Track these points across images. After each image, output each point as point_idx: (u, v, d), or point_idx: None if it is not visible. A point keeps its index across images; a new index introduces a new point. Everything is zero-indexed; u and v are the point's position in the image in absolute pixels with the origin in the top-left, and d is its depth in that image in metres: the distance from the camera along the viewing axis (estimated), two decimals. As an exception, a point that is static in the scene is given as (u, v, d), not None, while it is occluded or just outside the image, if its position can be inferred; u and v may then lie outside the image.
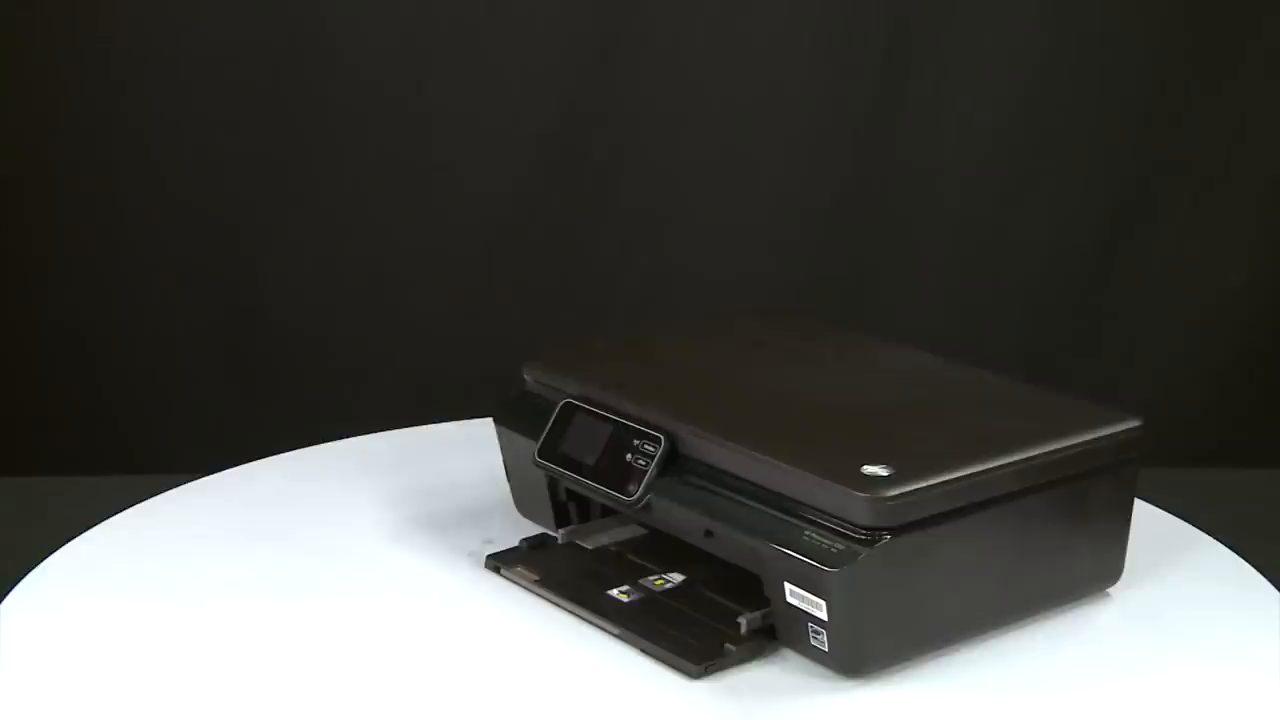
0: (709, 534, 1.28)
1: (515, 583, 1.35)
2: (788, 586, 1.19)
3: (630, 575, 1.34)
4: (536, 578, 1.34)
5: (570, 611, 1.30)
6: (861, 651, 1.19)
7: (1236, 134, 2.93)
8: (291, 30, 2.86)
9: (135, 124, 2.89)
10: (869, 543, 1.15)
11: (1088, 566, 1.31)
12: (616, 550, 1.40)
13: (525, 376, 1.46)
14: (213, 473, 1.60)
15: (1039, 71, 2.91)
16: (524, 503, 1.47)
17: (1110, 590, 1.34)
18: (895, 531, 1.15)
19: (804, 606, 1.18)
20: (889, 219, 3.00)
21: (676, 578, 1.34)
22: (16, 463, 2.91)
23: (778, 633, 1.23)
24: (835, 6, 2.89)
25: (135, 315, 2.99)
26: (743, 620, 1.23)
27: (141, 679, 1.21)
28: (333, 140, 2.93)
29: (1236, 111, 2.91)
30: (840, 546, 1.15)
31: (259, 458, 1.64)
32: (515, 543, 1.41)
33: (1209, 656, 1.25)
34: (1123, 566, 1.33)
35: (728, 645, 1.22)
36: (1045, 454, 1.24)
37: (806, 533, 1.17)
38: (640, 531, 1.42)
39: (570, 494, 1.42)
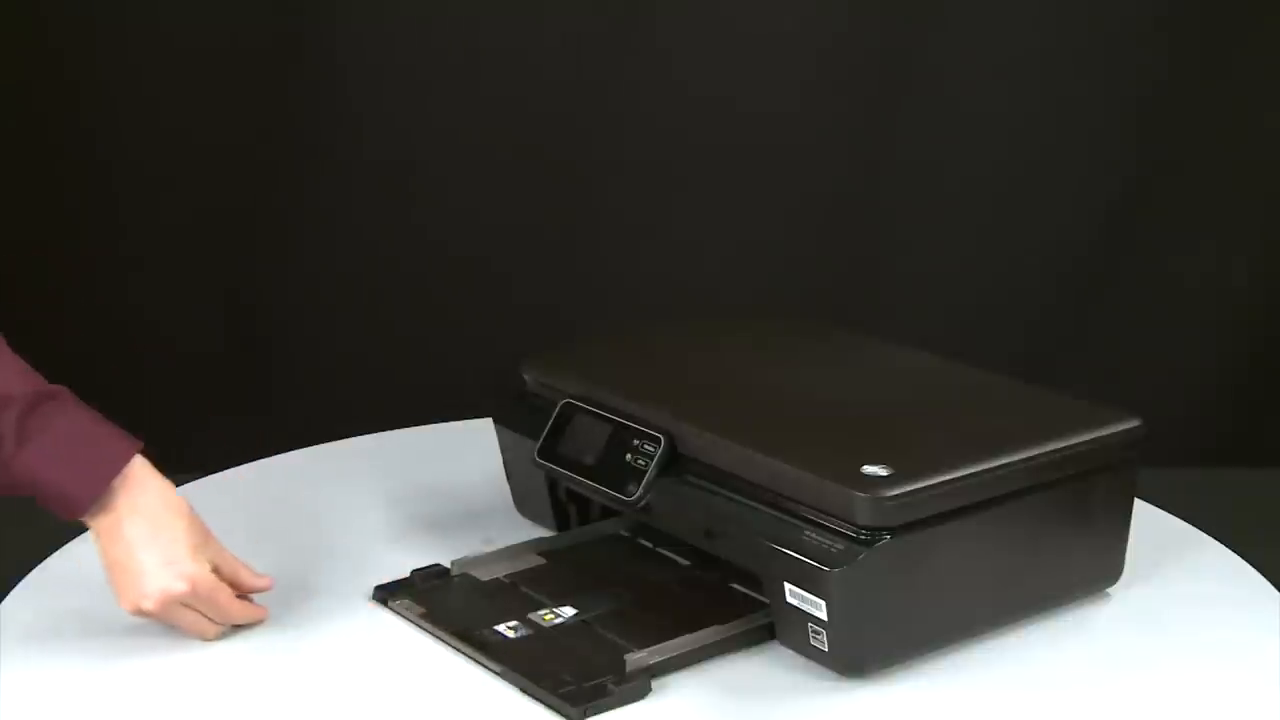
0: (709, 534, 1.27)
1: (402, 616, 1.30)
2: (788, 586, 1.19)
3: (520, 609, 1.29)
4: (423, 611, 1.30)
5: (455, 648, 1.25)
6: (861, 651, 1.19)
7: (1236, 134, 2.93)
8: (294, 34, 2.87)
9: (138, 126, 2.89)
10: (869, 543, 1.14)
11: (1088, 566, 1.31)
12: (510, 582, 1.35)
13: (525, 376, 1.46)
14: (212, 473, 1.60)
15: (1039, 72, 2.91)
16: (524, 503, 1.47)
17: (1110, 590, 1.34)
18: (895, 531, 1.15)
19: (804, 606, 1.18)
20: (888, 220, 3.00)
21: (568, 611, 1.29)
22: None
23: (777, 633, 1.23)
24: (834, 8, 2.89)
25: (135, 315, 2.99)
26: (628, 659, 1.19)
27: (140, 678, 1.21)
28: (332, 141, 2.94)
29: (1237, 111, 2.91)
30: (840, 546, 1.15)
31: (259, 458, 1.64)
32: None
33: (1208, 656, 1.25)
34: (1123, 566, 1.33)
35: (610, 685, 1.17)
36: (1045, 454, 1.24)
37: (806, 533, 1.17)
38: (538, 561, 1.38)
39: (570, 494, 1.42)
